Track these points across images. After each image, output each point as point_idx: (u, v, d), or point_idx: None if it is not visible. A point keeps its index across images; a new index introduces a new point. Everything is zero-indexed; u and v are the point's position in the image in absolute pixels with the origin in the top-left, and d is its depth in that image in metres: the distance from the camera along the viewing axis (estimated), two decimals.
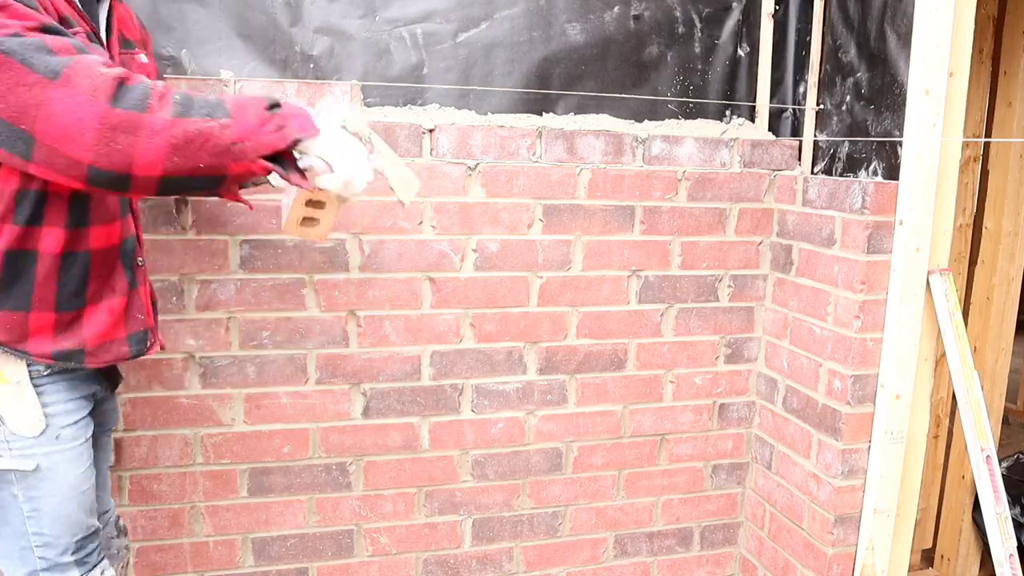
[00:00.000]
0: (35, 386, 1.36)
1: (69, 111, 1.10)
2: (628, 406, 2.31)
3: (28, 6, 1.17)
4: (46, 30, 1.16)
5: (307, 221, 1.40)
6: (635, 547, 2.42)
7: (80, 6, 1.35)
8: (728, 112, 2.28)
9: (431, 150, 2.01)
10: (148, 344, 1.51)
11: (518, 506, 2.28)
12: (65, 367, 1.38)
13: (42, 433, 1.37)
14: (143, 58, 1.53)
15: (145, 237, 1.68)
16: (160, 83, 1.19)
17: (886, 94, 1.99)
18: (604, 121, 2.16)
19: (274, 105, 1.24)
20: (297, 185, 1.29)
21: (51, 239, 1.30)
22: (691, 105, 2.24)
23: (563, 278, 2.17)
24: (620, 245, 2.20)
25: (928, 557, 2.90)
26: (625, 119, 2.18)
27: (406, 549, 2.21)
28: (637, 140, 2.16)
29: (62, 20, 1.27)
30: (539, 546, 2.33)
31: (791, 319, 2.25)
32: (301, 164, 1.30)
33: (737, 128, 2.27)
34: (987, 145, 2.71)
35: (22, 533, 1.39)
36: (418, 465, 2.17)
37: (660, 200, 2.21)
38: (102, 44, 1.40)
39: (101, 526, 1.56)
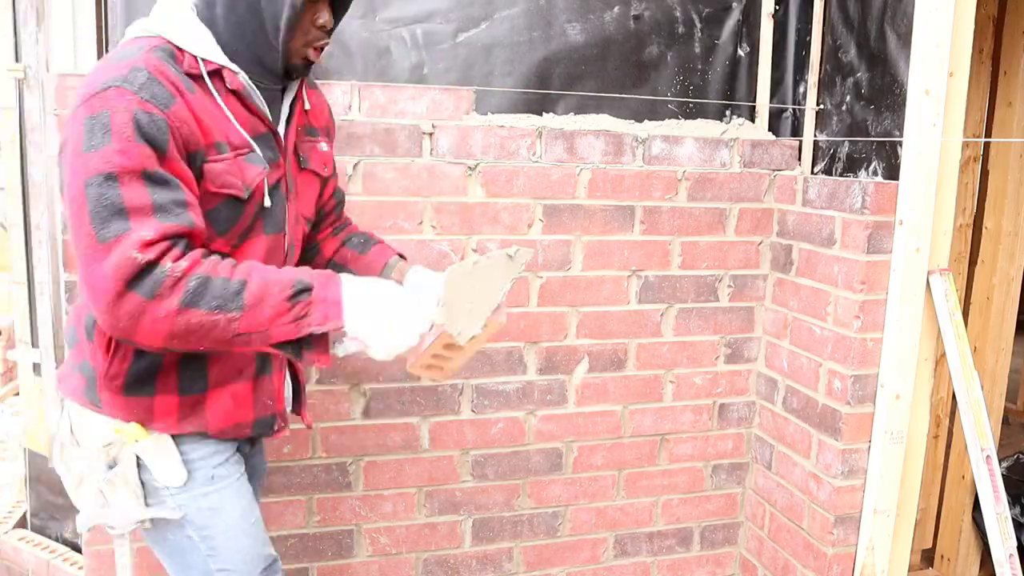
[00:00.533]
0: (176, 439, 1.36)
1: (94, 274, 1.14)
2: (628, 406, 2.31)
3: (148, 139, 1.15)
4: (145, 176, 1.15)
5: (437, 359, 1.37)
6: (635, 547, 2.42)
7: (258, 104, 1.32)
8: (728, 112, 2.28)
9: (431, 150, 2.01)
10: (275, 428, 1.48)
11: (518, 506, 2.28)
12: None
13: (188, 482, 1.36)
14: (323, 146, 1.52)
15: None
16: (183, 264, 1.15)
17: (886, 94, 1.99)
18: (604, 121, 2.16)
19: (302, 291, 1.20)
20: (314, 363, 1.27)
21: None
22: (691, 105, 2.24)
23: (563, 278, 2.17)
24: (620, 245, 2.20)
25: (928, 557, 2.90)
26: (625, 119, 2.18)
27: (406, 549, 2.21)
28: (637, 140, 2.16)
29: (211, 145, 1.24)
30: (539, 546, 2.33)
31: (791, 319, 2.25)
32: (336, 344, 1.28)
33: (737, 128, 2.26)
34: (987, 145, 2.71)
35: (207, 571, 1.39)
36: (418, 465, 2.17)
37: (660, 200, 2.21)
38: (276, 140, 1.37)
39: (278, 556, 1.52)
